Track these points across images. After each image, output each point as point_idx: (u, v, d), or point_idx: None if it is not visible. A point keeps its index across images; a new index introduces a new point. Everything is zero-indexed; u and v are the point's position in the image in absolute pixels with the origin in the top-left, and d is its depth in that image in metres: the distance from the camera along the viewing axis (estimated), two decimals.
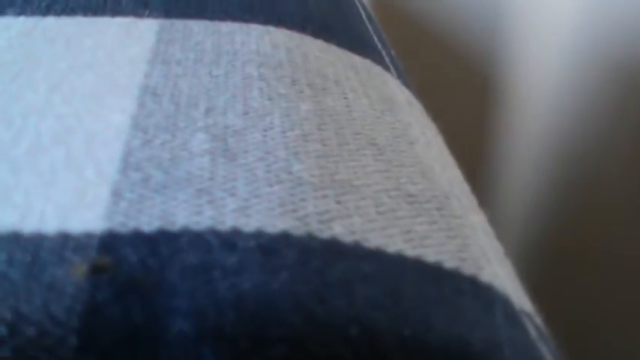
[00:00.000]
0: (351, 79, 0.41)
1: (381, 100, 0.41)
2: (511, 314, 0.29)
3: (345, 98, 0.38)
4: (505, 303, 0.29)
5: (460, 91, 0.92)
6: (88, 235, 0.26)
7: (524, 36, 0.88)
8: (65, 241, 0.26)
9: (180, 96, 0.36)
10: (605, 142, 0.87)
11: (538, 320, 0.32)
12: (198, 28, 0.44)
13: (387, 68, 0.47)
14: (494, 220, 0.90)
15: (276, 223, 0.27)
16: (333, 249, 0.26)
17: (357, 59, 0.45)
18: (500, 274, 0.32)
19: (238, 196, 0.28)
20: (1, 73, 0.38)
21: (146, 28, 0.44)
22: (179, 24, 0.44)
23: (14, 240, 0.27)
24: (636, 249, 0.87)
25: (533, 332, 0.30)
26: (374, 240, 0.28)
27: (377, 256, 0.27)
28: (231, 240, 0.26)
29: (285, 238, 0.26)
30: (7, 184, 0.30)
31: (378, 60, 0.48)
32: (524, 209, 0.94)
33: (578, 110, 0.87)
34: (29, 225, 0.27)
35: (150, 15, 0.45)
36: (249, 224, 0.27)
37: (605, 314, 0.91)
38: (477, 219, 0.36)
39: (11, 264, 0.25)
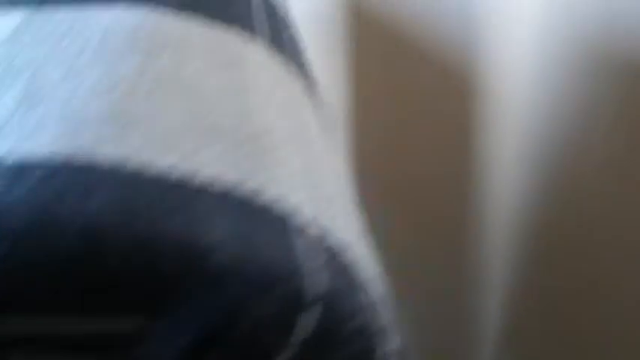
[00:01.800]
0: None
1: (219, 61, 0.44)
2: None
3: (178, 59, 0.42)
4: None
5: (440, 93, 0.92)
6: None
7: (502, 37, 0.88)
8: None
9: None
10: (584, 137, 0.87)
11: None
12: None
13: (251, 36, 0.50)
14: (481, 220, 0.90)
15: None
16: None
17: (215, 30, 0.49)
18: None
19: None
20: None
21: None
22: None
23: None
24: (619, 239, 0.87)
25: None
26: None
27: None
28: None
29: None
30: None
31: (244, 29, 0.51)
32: (509, 209, 0.94)
33: (556, 108, 0.86)
34: None
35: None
36: None
37: (588, 300, 0.91)
38: (298, 161, 0.39)
39: None
